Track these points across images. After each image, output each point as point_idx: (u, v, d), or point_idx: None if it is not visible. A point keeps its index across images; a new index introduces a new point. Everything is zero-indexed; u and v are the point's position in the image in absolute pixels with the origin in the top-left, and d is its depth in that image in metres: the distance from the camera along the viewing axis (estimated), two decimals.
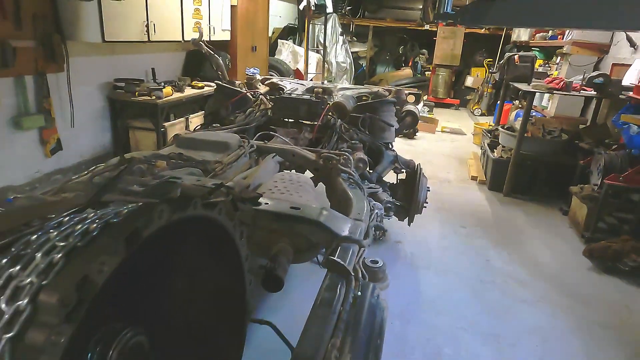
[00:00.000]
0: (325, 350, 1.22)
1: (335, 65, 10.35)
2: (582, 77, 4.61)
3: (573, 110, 6.15)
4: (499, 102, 6.69)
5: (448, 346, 2.42)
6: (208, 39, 5.76)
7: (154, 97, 4.70)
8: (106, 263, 0.55)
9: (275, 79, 4.28)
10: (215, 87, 3.85)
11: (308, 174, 2.63)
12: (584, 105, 6.13)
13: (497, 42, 9.57)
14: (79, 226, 0.64)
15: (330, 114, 3.37)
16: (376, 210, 2.35)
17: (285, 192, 2.20)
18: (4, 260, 0.60)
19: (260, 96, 3.72)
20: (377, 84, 10.29)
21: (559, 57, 6.74)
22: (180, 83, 5.40)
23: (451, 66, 10.35)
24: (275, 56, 8.99)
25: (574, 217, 4.14)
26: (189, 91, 5.44)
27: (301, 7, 9.44)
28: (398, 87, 4.13)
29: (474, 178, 5.33)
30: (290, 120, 3.54)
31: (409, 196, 3.27)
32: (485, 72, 10.08)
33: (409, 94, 4.25)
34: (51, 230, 0.66)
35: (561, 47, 6.52)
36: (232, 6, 6.49)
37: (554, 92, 4.63)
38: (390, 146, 3.50)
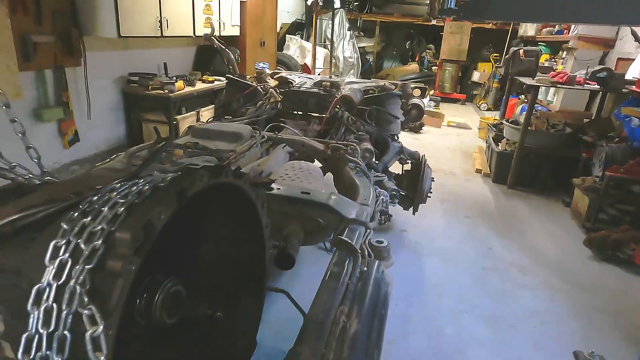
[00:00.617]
0: (334, 315, 1.35)
1: (343, 60, 10.44)
2: (585, 71, 4.68)
3: (578, 104, 6.21)
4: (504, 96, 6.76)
5: (449, 326, 2.54)
6: (218, 34, 5.88)
7: (166, 91, 4.84)
8: (163, 212, 0.68)
9: (285, 73, 4.40)
10: (226, 80, 3.98)
11: (317, 164, 2.76)
12: (589, 100, 6.18)
13: (504, 37, 9.60)
14: (134, 188, 0.77)
15: (337, 106, 3.48)
16: (381, 197, 2.48)
17: (295, 179, 2.32)
18: (76, 214, 0.73)
19: (270, 90, 3.85)
20: (384, 79, 10.37)
21: (564, 52, 6.79)
22: (192, 77, 5.54)
23: (458, 61, 10.40)
24: (284, 51, 9.11)
25: (575, 208, 4.23)
26: (199, 85, 5.58)
27: (309, 2, 9.53)
28: (404, 82, 4.24)
29: (478, 171, 5.43)
30: (299, 112, 3.65)
31: (413, 186, 3.40)
32: (492, 67, 10.11)
33: (415, 87, 4.35)
34: (109, 193, 0.79)
35: (567, 41, 6.56)
36: (241, 2, 6.61)
37: (558, 85, 4.70)
38: (396, 138, 3.61)
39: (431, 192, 3.47)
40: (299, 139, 2.96)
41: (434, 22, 10.34)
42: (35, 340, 0.63)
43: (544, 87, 5.52)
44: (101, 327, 0.58)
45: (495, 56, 10.27)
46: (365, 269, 1.66)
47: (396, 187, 2.97)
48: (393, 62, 12.31)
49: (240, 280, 1.14)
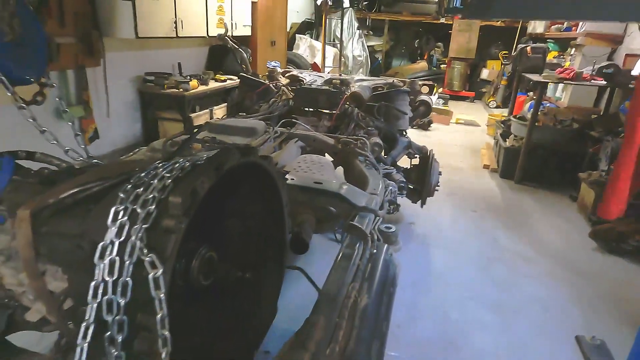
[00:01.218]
0: (346, 290, 1.47)
1: (352, 59, 10.54)
2: (592, 67, 4.74)
3: (586, 101, 6.25)
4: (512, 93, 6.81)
5: (455, 312, 2.65)
6: (231, 35, 6.06)
7: (181, 90, 5.01)
8: (205, 182, 0.81)
9: (295, 72, 4.53)
10: (239, 79, 4.13)
11: (328, 158, 2.88)
12: (597, 96, 6.22)
13: (513, 35, 9.63)
14: (177, 165, 0.90)
15: (347, 103, 3.60)
16: (390, 187, 2.60)
17: (307, 170, 2.46)
18: (129, 186, 0.87)
19: (281, 87, 3.98)
20: (393, 77, 10.45)
21: (573, 49, 6.83)
22: (205, 76, 5.70)
23: (467, 59, 10.45)
24: (294, 50, 9.25)
25: (582, 202, 4.30)
26: (212, 84, 5.74)
27: (318, 2, 9.66)
28: (412, 79, 4.35)
29: (486, 166, 5.51)
30: (310, 109, 3.78)
31: (421, 179, 3.50)
32: (501, 65, 10.15)
33: (423, 84, 4.45)
34: (154, 170, 0.93)
35: (575, 38, 6.60)
36: (252, 2, 6.76)
37: (564, 82, 4.77)
38: (404, 133, 3.73)
39: (439, 186, 3.58)
40: (310, 134, 3.09)
41: (442, 20, 10.40)
42: (101, 287, 0.77)
43: (552, 84, 5.57)
44: (161, 270, 0.72)
45: (504, 54, 10.29)
46: (375, 251, 1.78)
47: (404, 179, 3.09)
48: (402, 61, 12.39)
49: (263, 251, 1.27)
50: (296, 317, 1.33)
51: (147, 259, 0.73)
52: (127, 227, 0.79)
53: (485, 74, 10.74)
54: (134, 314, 0.74)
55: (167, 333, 0.72)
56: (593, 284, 3.07)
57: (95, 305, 0.76)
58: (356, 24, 10.50)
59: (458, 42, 10.33)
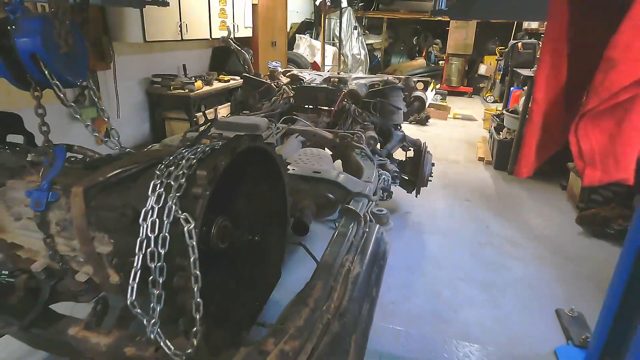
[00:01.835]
0: (341, 261, 1.70)
1: (351, 57, 10.76)
2: None
3: None
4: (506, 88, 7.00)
5: (446, 290, 2.88)
6: (233, 36, 6.28)
7: (187, 91, 5.24)
8: (223, 160, 1.03)
9: (296, 71, 4.76)
10: (242, 79, 4.35)
11: (327, 151, 3.11)
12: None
13: (509, 31, 9.81)
14: (199, 149, 1.13)
15: (345, 100, 3.82)
16: (383, 176, 2.83)
17: (308, 162, 2.69)
18: (162, 166, 1.09)
19: (283, 86, 4.21)
20: (392, 74, 10.65)
21: None
22: (209, 77, 5.93)
23: (464, 55, 10.65)
24: (294, 50, 9.47)
25: (571, 190, 4.51)
26: (216, 84, 5.97)
27: (317, 2, 9.88)
28: (407, 76, 4.56)
29: (481, 159, 5.72)
30: (310, 106, 4.01)
31: (415, 171, 3.72)
32: (496, 60, 10.33)
33: (418, 81, 4.67)
34: (180, 154, 1.15)
35: None
36: (253, 4, 6.99)
37: None
38: (399, 127, 3.95)
39: (432, 176, 3.80)
40: (310, 129, 3.32)
41: (439, 17, 10.59)
42: (145, 241, 1.00)
43: None
44: (193, 224, 0.95)
45: (501, 49, 10.46)
46: (367, 230, 2.01)
47: (397, 169, 3.32)
48: (400, 58, 12.59)
49: (269, 223, 1.50)
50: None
51: (182, 216, 0.96)
52: (163, 196, 1.02)
53: (482, 69, 10.92)
54: (172, 259, 0.97)
55: (197, 272, 0.95)
56: (577, 265, 3.28)
57: (141, 255, 0.99)
58: (355, 23, 10.71)
59: (455, 39, 10.53)
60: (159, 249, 0.98)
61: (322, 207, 2.29)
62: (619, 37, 0.67)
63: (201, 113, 5.34)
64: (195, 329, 0.97)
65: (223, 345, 1.09)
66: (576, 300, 2.84)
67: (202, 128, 2.61)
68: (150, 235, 0.99)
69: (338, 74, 4.83)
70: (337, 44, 9.91)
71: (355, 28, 10.77)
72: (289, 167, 2.36)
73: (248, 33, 6.99)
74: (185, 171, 1.04)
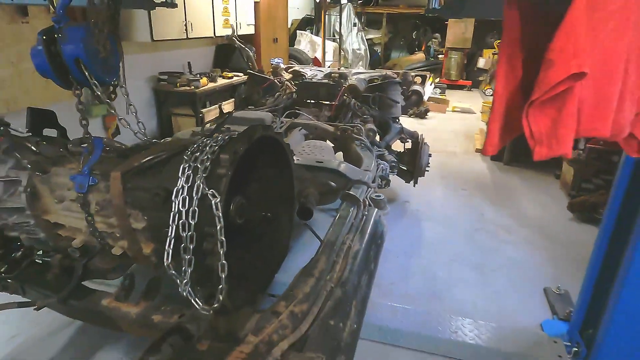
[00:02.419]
0: (342, 239, 1.90)
1: (351, 52, 10.91)
2: None
3: None
4: None
5: (442, 272, 3.07)
6: (236, 34, 6.46)
7: (192, 87, 5.43)
8: (241, 146, 1.23)
9: (297, 67, 4.94)
10: (246, 76, 4.54)
11: (328, 144, 3.30)
12: None
13: None
14: (219, 137, 1.32)
15: (345, 94, 4.00)
16: (381, 165, 3.02)
17: (311, 153, 2.89)
18: (189, 152, 1.29)
19: (285, 82, 4.39)
20: (392, 68, 10.81)
21: None
22: (213, 74, 6.11)
23: (463, 49, 10.78)
24: (295, 46, 9.64)
25: (564, 179, 4.68)
26: (220, 81, 6.15)
27: None
28: (405, 71, 4.74)
29: (478, 150, 5.90)
30: (311, 101, 4.19)
31: (413, 161, 3.91)
32: (493, 54, 10.47)
33: (416, 75, 4.84)
34: (203, 142, 1.35)
35: None
36: (255, 2, 7.15)
37: None
38: (397, 120, 4.13)
39: (429, 166, 3.98)
40: (312, 123, 3.51)
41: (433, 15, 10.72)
42: (177, 215, 1.19)
43: None
44: (219, 198, 1.14)
45: (499, 42, 10.61)
46: (366, 213, 2.21)
47: (395, 159, 3.51)
48: (400, 52, 12.72)
49: (278, 203, 1.70)
50: None
51: (210, 192, 1.15)
52: (191, 177, 1.21)
53: (481, 62, 11.05)
54: (201, 229, 1.17)
55: (223, 238, 1.14)
56: (566, 249, 3.47)
57: (174, 227, 1.19)
58: (354, 19, 10.86)
59: (454, 33, 10.66)
60: (190, 220, 1.17)
61: (324, 193, 2.48)
62: (554, 43, 0.86)
63: (217, 106, 5.51)
64: (220, 286, 1.17)
65: (243, 303, 1.29)
66: (564, 280, 3.03)
67: (217, 122, 2.83)
68: (181, 209, 1.18)
69: (338, 69, 5.02)
70: (338, 40, 10.07)
71: (355, 24, 10.92)
72: (294, 157, 2.55)
73: (250, 30, 7.16)
74: (210, 156, 1.23)
